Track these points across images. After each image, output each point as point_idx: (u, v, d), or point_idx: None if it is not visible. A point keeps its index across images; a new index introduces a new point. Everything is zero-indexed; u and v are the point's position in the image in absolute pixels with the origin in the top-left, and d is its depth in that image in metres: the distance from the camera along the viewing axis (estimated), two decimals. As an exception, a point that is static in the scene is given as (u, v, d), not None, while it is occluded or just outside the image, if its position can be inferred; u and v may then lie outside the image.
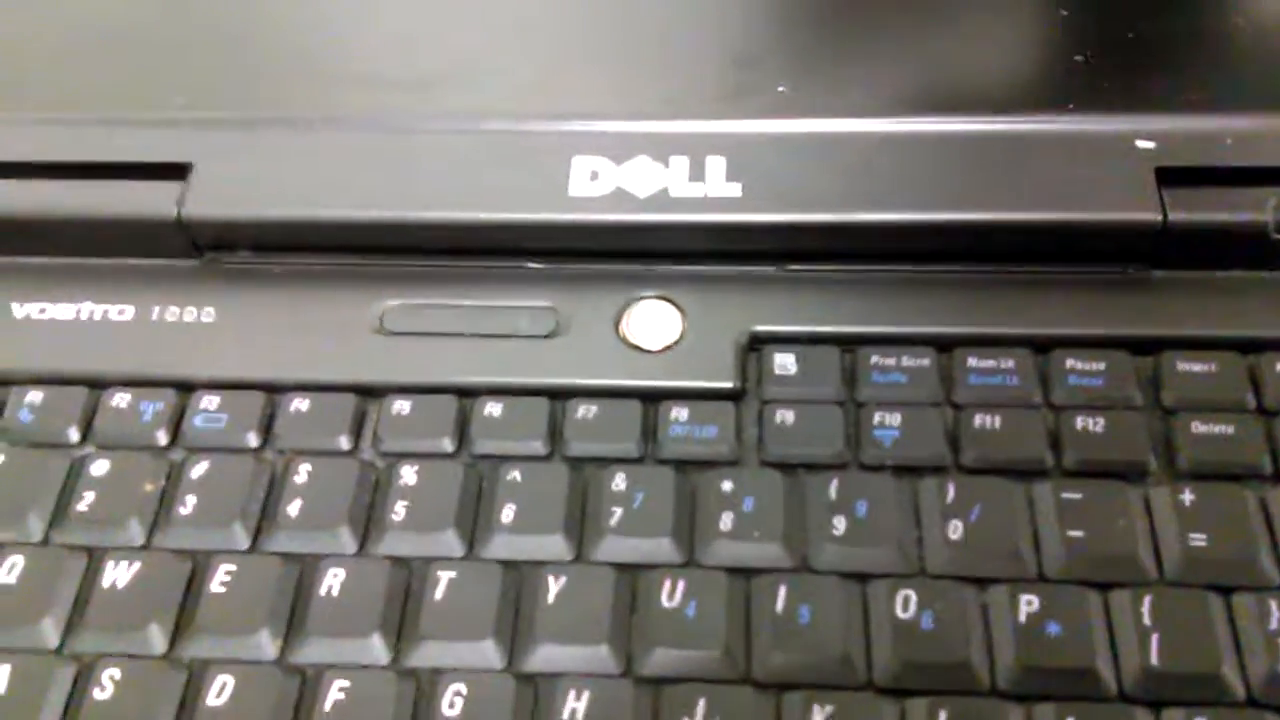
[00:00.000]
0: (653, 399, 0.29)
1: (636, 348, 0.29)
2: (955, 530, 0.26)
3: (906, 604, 0.25)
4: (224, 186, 0.31)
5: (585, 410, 0.28)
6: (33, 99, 0.33)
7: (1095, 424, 0.27)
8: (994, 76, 0.32)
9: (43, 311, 0.31)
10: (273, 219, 0.30)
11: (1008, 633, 0.25)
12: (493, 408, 0.29)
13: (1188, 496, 0.26)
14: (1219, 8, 0.32)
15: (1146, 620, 0.25)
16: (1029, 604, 0.25)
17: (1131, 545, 0.26)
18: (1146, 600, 0.25)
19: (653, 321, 0.30)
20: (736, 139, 0.30)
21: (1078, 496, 0.26)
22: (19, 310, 0.31)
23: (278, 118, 0.32)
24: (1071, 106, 0.30)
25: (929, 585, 0.25)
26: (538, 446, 0.28)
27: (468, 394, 0.29)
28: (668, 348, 0.29)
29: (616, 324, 0.30)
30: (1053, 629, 0.25)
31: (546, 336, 0.30)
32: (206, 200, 0.30)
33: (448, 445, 0.28)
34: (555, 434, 0.28)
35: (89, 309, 0.31)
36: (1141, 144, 0.29)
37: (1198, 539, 0.26)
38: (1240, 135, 0.29)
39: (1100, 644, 0.25)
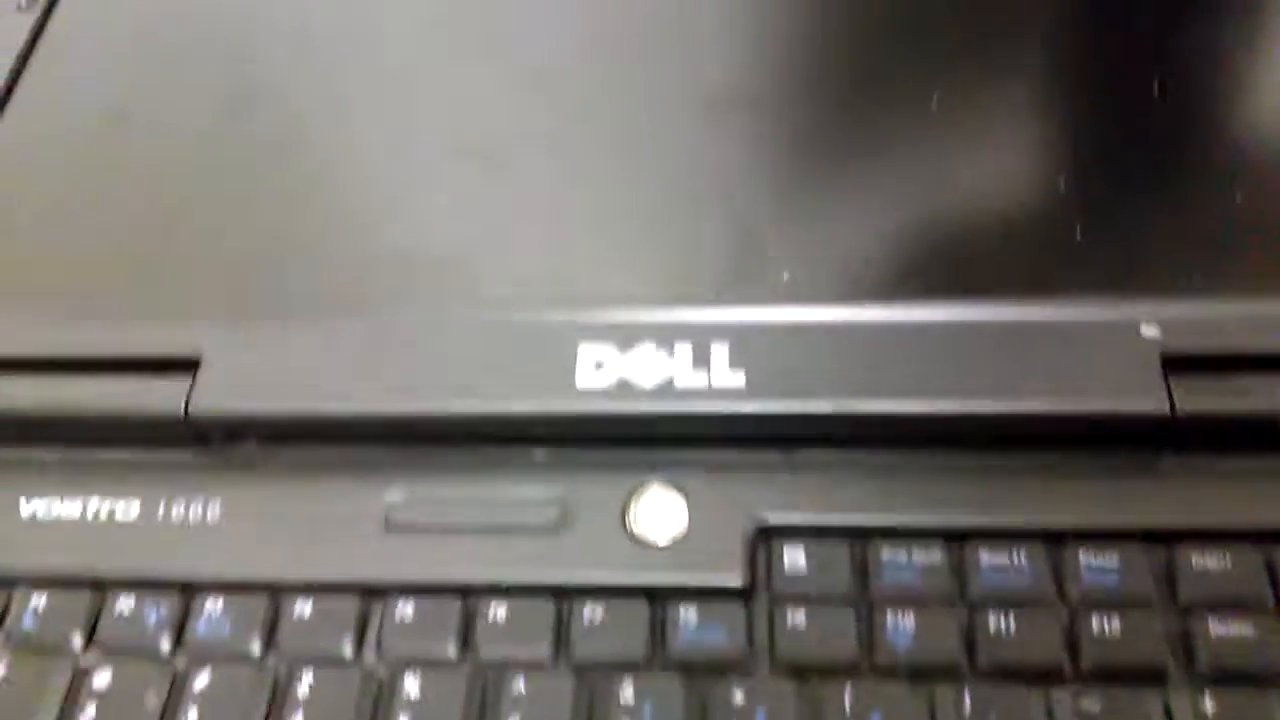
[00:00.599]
0: (661, 597, 0.28)
1: (643, 540, 0.29)
2: (972, 744, 0.25)
3: (924, 827, 0.24)
4: (231, 381, 0.31)
5: (592, 612, 0.28)
6: (43, 294, 0.33)
7: (1111, 624, 0.27)
8: (995, 260, 0.31)
9: (49, 509, 0.31)
10: (280, 413, 0.30)
11: None
12: (498, 610, 0.28)
13: (1209, 704, 0.26)
14: (1222, 191, 0.32)
15: (1174, 840, 0.24)
16: (1051, 824, 0.24)
17: (1154, 757, 0.25)
18: (1172, 818, 0.24)
19: (659, 511, 0.30)
20: (740, 326, 0.30)
21: (1096, 707, 0.26)
22: (25, 508, 0.31)
23: (283, 311, 0.32)
24: (1074, 291, 0.30)
25: (947, 805, 0.25)
26: (543, 651, 0.28)
27: (472, 593, 0.29)
28: (674, 540, 0.29)
29: (623, 515, 0.30)
30: None
31: (552, 530, 0.29)
32: (214, 394, 0.30)
33: (452, 651, 0.28)
34: (561, 637, 0.28)
35: (95, 506, 0.31)
36: (1146, 330, 0.29)
37: (1222, 750, 0.25)
38: (1247, 320, 0.29)
39: None
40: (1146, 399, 0.28)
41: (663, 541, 0.29)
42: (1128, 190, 0.32)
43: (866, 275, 0.31)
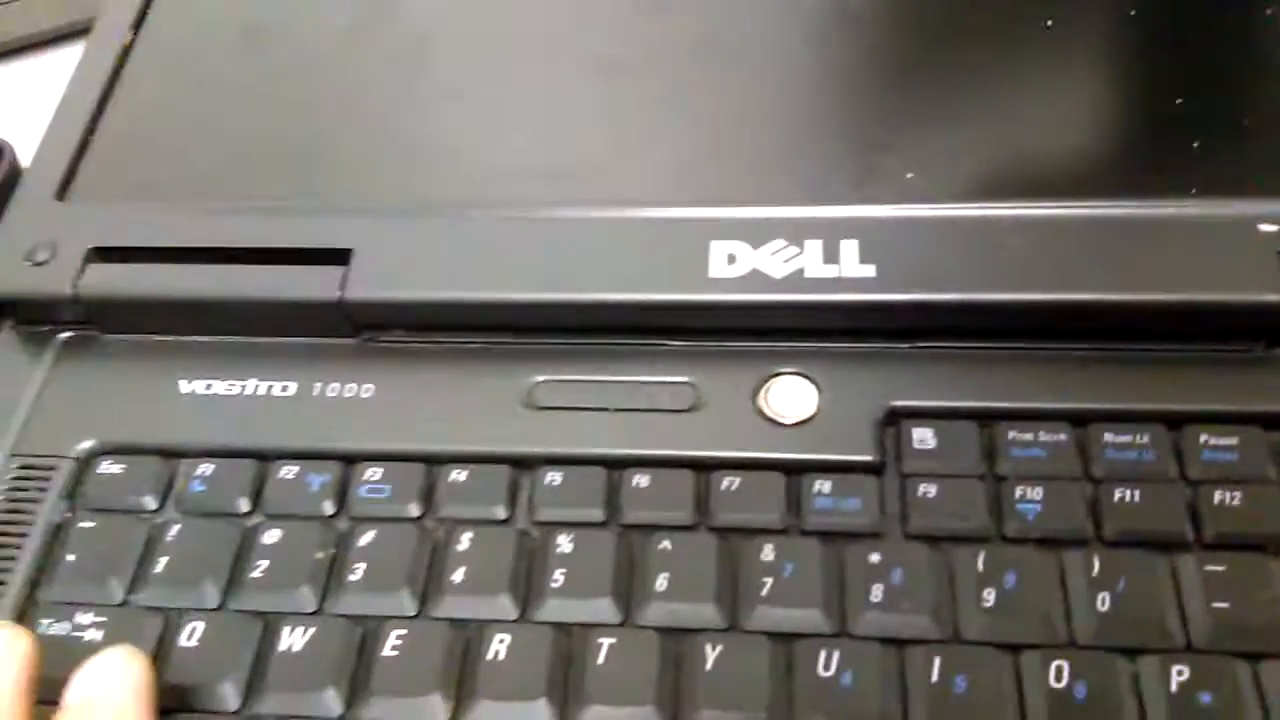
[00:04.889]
0: (794, 472, 0.30)
1: (775, 422, 0.31)
2: (1103, 602, 0.27)
3: (1060, 674, 0.26)
4: (382, 270, 0.32)
5: (729, 482, 0.30)
6: (203, 189, 0.35)
7: (1232, 498, 0.28)
8: (1115, 164, 0.33)
9: (209, 387, 0.33)
10: (428, 300, 0.32)
11: (1161, 703, 0.25)
12: (640, 479, 0.30)
13: (1330, 570, 0.27)
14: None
15: (1299, 691, 0.25)
16: (1180, 674, 0.26)
17: (1278, 616, 0.26)
18: (1298, 671, 0.26)
19: (790, 397, 0.31)
20: (868, 222, 0.32)
21: (1221, 569, 0.27)
22: (185, 386, 0.33)
23: (432, 206, 0.34)
24: (1193, 192, 0.31)
25: (1080, 656, 0.26)
26: (685, 517, 0.29)
27: (614, 465, 0.30)
28: (805, 422, 0.31)
29: (754, 399, 0.31)
30: (1205, 699, 0.25)
31: (687, 411, 0.31)
32: (366, 283, 0.32)
33: (598, 515, 0.30)
34: (701, 505, 0.30)
35: (253, 385, 0.33)
36: (1264, 227, 0.30)
37: (1342, 611, 0.26)
38: (1362, 218, 0.30)
39: (1253, 715, 0.25)
40: (1264, 290, 0.29)
41: (793, 422, 0.31)
42: (1241, 103, 0.33)
43: (988, 175, 0.33)
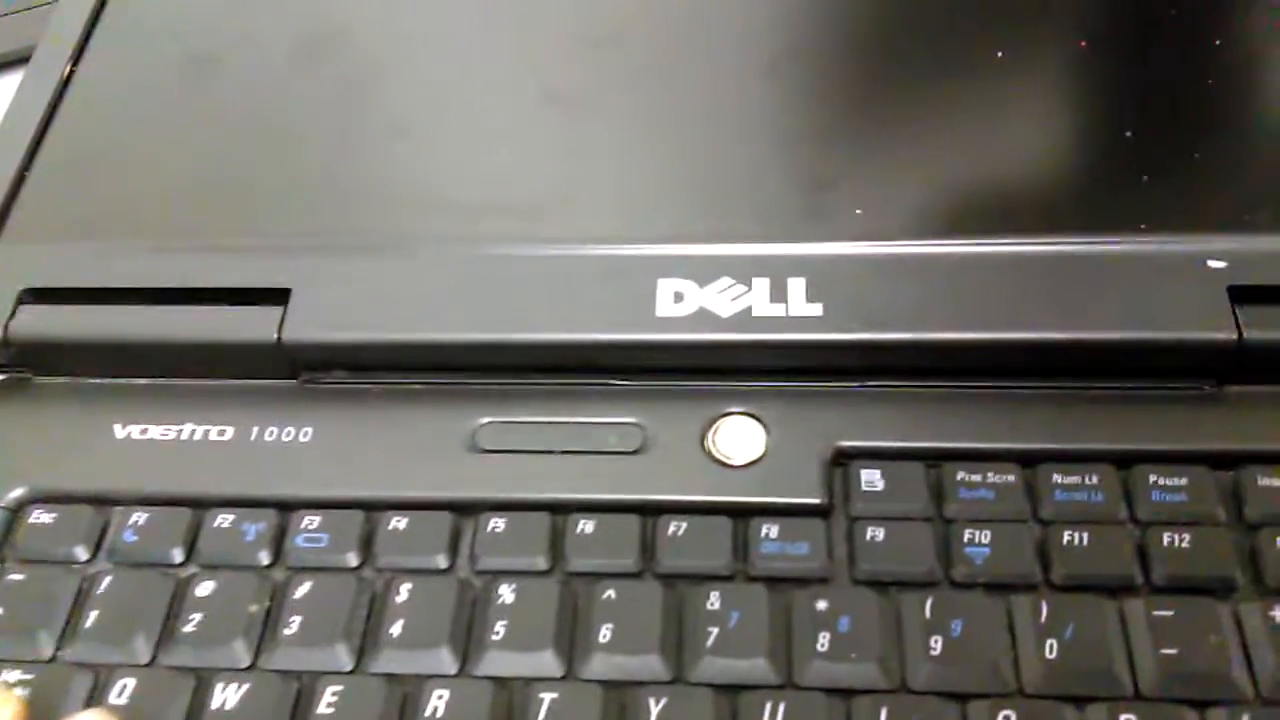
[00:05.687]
0: (742, 515, 0.29)
1: (723, 463, 0.30)
2: (1051, 649, 0.26)
3: (1007, 724, 0.25)
4: (322, 310, 0.32)
5: (675, 527, 0.29)
6: (139, 227, 0.34)
7: (1181, 540, 0.28)
8: (1064, 199, 0.33)
9: (144, 432, 0.32)
10: (368, 341, 0.32)
11: (1109, 753, 0.25)
12: (585, 525, 0.29)
13: (1278, 614, 0.26)
14: (1280, 130, 0.33)
15: (1246, 740, 0.25)
16: (1128, 724, 0.25)
17: (1225, 663, 0.26)
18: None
19: (738, 437, 0.31)
20: (816, 260, 0.31)
21: (1169, 614, 0.27)
22: (120, 431, 0.32)
23: (373, 244, 0.33)
24: (1143, 227, 0.31)
25: (1028, 705, 0.26)
26: (630, 564, 0.29)
27: (559, 510, 0.30)
28: (753, 463, 0.30)
29: (702, 440, 0.31)
30: (1153, 749, 0.25)
31: (634, 453, 0.30)
32: (305, 324, 0.32)
33: (542, 563, 0.29)
34: (647, 551, 0.29)
35: (190, 429, 0.32)
36: (1213, 263, 0.30)
37: (1292, 656, 0.26)
38: (1309, 253, 0.30)
39: (1201, 764, 0.25)
40: (1215, 328, 0.29)
41: (741, 463, 0.30)
42: (1191, 137, 0.33)
43: (936, 212, 0.32)
